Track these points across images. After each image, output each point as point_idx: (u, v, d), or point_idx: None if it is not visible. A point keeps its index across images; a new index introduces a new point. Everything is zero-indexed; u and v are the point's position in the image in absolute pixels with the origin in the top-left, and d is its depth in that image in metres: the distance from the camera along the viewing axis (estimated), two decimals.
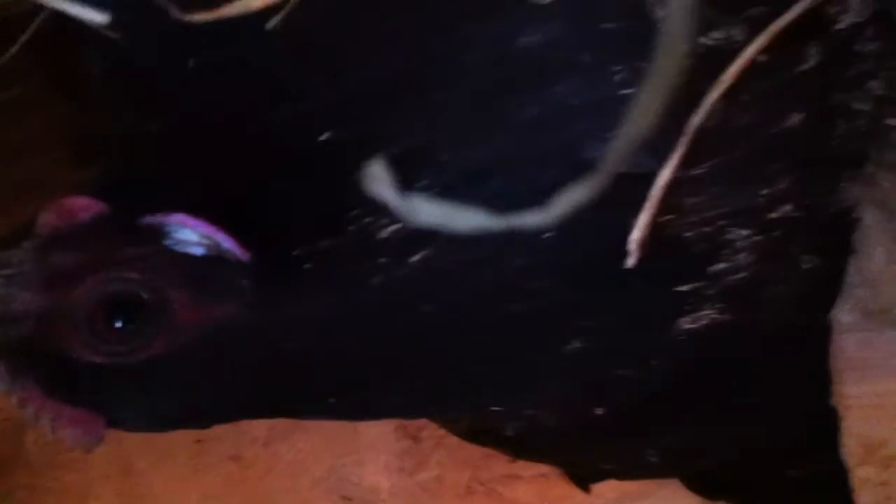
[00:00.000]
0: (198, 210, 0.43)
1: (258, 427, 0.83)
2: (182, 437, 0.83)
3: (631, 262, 0.43)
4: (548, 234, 0.44)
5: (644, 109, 0.24)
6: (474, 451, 0.80)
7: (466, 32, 0.46)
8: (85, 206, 0.42)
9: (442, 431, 0.80)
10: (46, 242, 0.42)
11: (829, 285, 0.69)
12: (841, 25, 0.49)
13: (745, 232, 0.51)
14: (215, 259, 0.43)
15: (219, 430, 0.79)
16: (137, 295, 0.42)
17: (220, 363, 0.45)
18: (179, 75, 0.45)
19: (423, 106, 0.45)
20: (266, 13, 0.42)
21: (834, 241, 0.64)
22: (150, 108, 0.46)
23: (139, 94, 0.47)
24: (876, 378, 0.80)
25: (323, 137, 0.42)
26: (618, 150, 0.24)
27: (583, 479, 0.79)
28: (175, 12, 0.38)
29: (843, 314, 0.77)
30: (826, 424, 0.74)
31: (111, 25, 0.37)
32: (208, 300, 0.42)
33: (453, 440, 0.80)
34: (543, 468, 0.81)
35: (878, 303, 0.79)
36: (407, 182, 0.25)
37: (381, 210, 0.42)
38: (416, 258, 0.43)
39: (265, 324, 0.45)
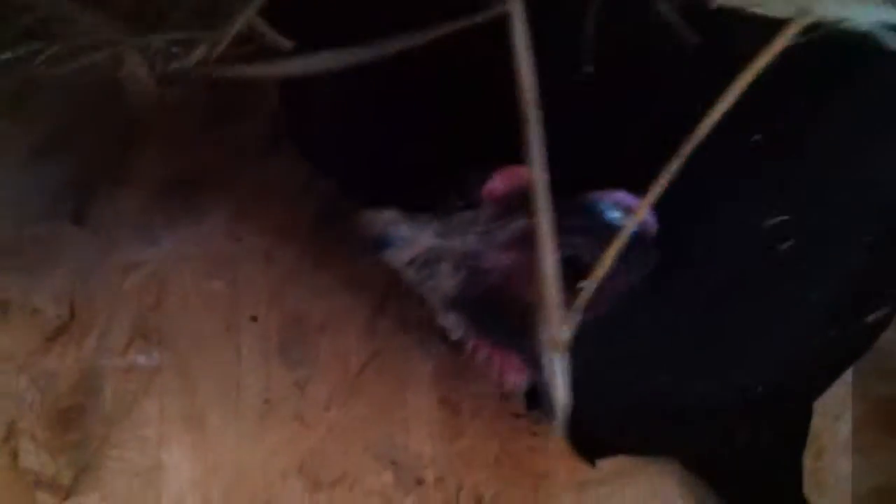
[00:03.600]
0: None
1: (319, 392, 0.84)
2: (250, 398, 0.84)
3: None
4: None
5: None
6: (503, 425, 0.85)
7: None
8: (527, 175, 0.46)
9: (478, 403, 0.84)
10: (501, 205, 0.45)
11: None
12: None
13: None
14: (637, 234, 0.48)
15: (284, 391, 0.83)
16: (581, 259, 0.46)
17: (623, 324, 0.50)
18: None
19: None
20: None
21: None
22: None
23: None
24: None
25: None
26: None
27: (590, 454, 0.83)
28: None
29: None
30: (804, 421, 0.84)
31: None
32: (630, 269, 0.48)
33: (488, 412, 0.84)
34: (561, 443, 0.82)
35: None
36: None
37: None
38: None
39: (656, 291, 0.50)
